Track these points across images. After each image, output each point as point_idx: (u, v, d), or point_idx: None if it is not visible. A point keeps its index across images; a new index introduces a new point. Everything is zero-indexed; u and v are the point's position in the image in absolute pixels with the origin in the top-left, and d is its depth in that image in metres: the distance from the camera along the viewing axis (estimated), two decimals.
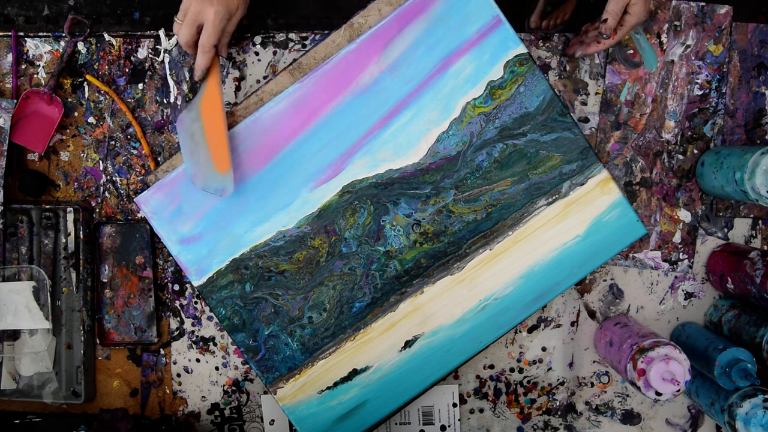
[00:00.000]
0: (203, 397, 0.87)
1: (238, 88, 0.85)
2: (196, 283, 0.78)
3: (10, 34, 0.84)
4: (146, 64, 0.84)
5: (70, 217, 0.83)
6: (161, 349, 0.87)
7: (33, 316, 0.83)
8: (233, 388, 0.87)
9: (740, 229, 0.86)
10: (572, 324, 0.86)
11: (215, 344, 0.86)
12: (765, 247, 0.86)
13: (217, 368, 0.87)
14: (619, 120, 0.84)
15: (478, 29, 0.75)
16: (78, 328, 0.84)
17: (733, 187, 0.76)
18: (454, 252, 0.78)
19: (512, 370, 0.87)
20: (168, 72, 0.84)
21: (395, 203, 0.77)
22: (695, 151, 0.85)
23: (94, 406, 0.87)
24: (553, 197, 0.77)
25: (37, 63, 0.84)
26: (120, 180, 0.85)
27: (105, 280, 0.85)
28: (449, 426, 0.87)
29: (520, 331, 0.86)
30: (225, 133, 0.75)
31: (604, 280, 0.86)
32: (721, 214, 0.85)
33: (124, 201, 0.85)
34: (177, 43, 0.83)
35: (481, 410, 0.87)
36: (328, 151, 0.77)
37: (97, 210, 0.86)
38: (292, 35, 0.84)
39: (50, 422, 0.84)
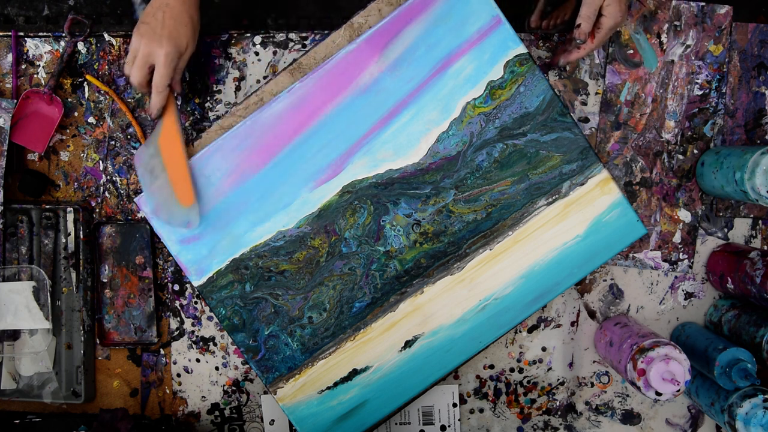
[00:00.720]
0: (203, 397, 0.87)
1: (238, 88, 0.85)
2: (196, 283, 0.78)
3: (10, 34, 0.84)
4: None
5: (70, 217, 0.83)
6: (161, 349, 0.87)
7: (33, 316, 0.83)
8: (233, 388, 0.87)
9: (740, 229, 0.86)
10: (572, 324, 0.86)
11: (215, 344, 0.86)
12: (765, 247, 0.86)
13: (217, 368, 0.87)
14: (619, 120, 0.84)
15: (478, 29, 0.75)
16: (78, 328, 0.84)
17: (733, 187, 0.76)
18: (454, 252, 0.78)
19: (512, 370, 0.87)
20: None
21: (395, 203, 0.77)
22: (695, 151, 0.85)
23: (94, 406, 0.87)
24: (553, 197, 0.77)
25: (37, 63, 0.84)
26: (120, 180, 0.85)
27: (105, 280, 0.85)
28: (449, 426, 0.87)
29: (520, 331, 0.86)
30: (187, 168, 0.75)
31: (604, 280, 0.86)
32: (721, 214, 0.85)
33: (124, 201, 0.85)
34: None
35: (481, 410, 0.87)
36: (328, 151, 0.77)
37: (97, 210, 0.86)
38: (292, 35, 0.84)
39: (50, 422, 0.84)
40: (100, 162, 0.85)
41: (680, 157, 0.85)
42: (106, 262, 0.85)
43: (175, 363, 0.87)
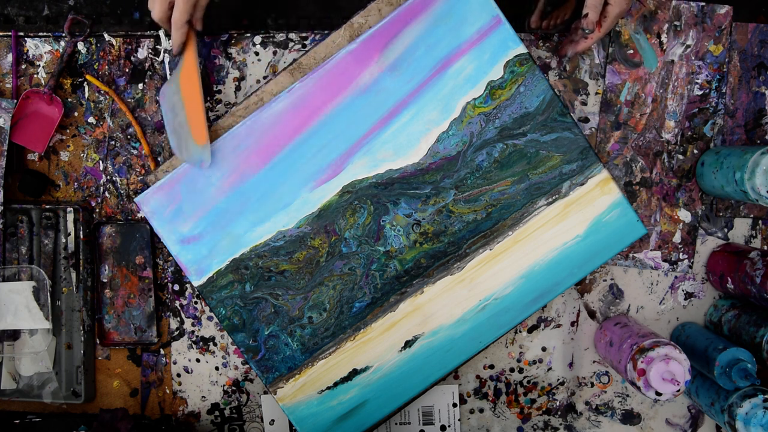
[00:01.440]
0: (203, 397, 0.87)
1: (238, 88, 0.85)
2: (196, 283, 0.78)
3: (10, 34, 0.84)
4: (146, 64, 0.84)
5: (70, 217, 0.83)
6: (161, 349, 0.87)
7: (33, 316, 0.83)
8: (233, 388, 0.87)
9: (740, 229, 0.86)
10: (572, 324, 0.86)
11: (215, 344, 0.86)
12: (765, 247, 0.86)
13: (217, 368, 0.87)
14: (619, 120, 0.84)
15: (478, 29, 0.75)
16: (78, 328, 0.84)
17: (733, 187, 0.76)
18: (454, 252, 0.78)
19: (512, 370, 0.87)
20: (168, 72, 0.84)
21: (395, 203, 0.77)
22: (695, 151, 0.85)
23: (94, 406, 0.87)
24: (553, 197, 0.77)
25: (37, 63, 0.84)
26: (120, 180, 0.85)
27: (105, 280, 0.85)
28: (449, 426, 0.87)
29: (520, 331, 0.86)
30: (202, 106, 0.75)
31: (604, 280, 0.86)
32: (721, 214, 0.85)
33: (124, 201, 0.85)
34: None
35: (481, 410, 0.87)
36: (328, 151, 0.77)
37: (97, 210, 0.86)
38: (292, 35, 0.84)
39: (50, 422, 0.84)
40: (100, 162, 0.85)
41: (680, 157, 0.85)
42: (106, 262, 0.85)
43: (175, 363, 0.87)
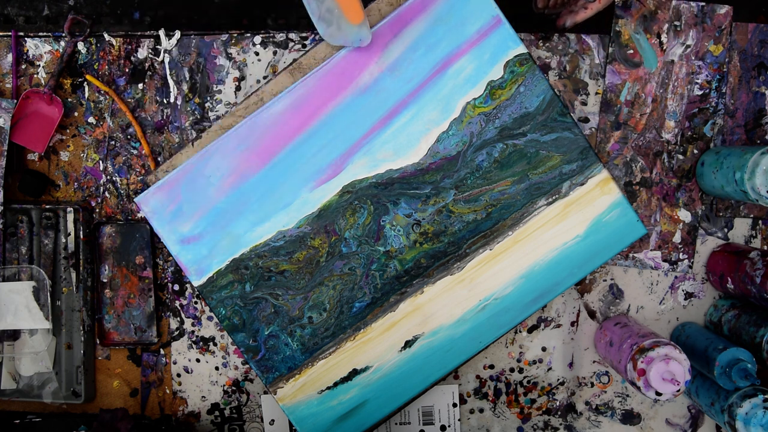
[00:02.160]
0: (203, 397, 0.87)
1: (238, 88, 0.85)
2: (196, 283, 0.78)
3: (10, 34, 0.84)
4: (146, 64, 0.84)
5: (70, 217, 0.83)
6: (161, 349, 0.87)
7: (33, 316, 0.83)
8: (233, 388, 0.87)
9: (740, 229, 0.86)
10: (572, 324, 0.86)
11: (215, 344, 0.86)
12: (765, 247, 0.86)
13: (217, 368, 0.87)
14: (619, 120, 0.84)
15: (478, 29, 0.75)
16: (78, 328, 0.84)
17: (733, 187, 0.76)
18: (454, 252, 0.78)
19: (512, 370, 0.87)
20: (168, 72, 0.84)
21: (395, 203, 0.77)
22: (695, 151, 0.85)
23: (94, 406, 0.87)
24: (553, 197, 0.77)
25: (37, 63, 0.84)
26: (120, 180, 0.85)
27: (105, 280, 0.85)
28: (449, 426, 0.87)
29: (520, 331, 0.86)
30: None
31: (604, 280, 0.86)
32: (721, 214, 0.85)
33: (124, 201, 0.85)
34: (177, 43, 0.83)
35: (481, 410, 0.87)
36: (328, 151, 0.77)
37: (97, 210, 0.86)
38: (292, 35, 0.84)
39: (50, 422, 0.84)
40: (100, 162, 0.85)
41: (680, 157, 0.85)
42: (106, 262, 0.85)
43: (175, 363, 0.87)
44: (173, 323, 0.86)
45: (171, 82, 0.84)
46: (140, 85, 0.84)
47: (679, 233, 0.85)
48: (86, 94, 0.85)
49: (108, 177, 0.85)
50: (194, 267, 0.78)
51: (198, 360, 0.87)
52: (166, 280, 0.86)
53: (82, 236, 0.83)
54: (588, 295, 0.86)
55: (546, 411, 0.87)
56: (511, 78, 0.76)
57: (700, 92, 0.84)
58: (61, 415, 0.86)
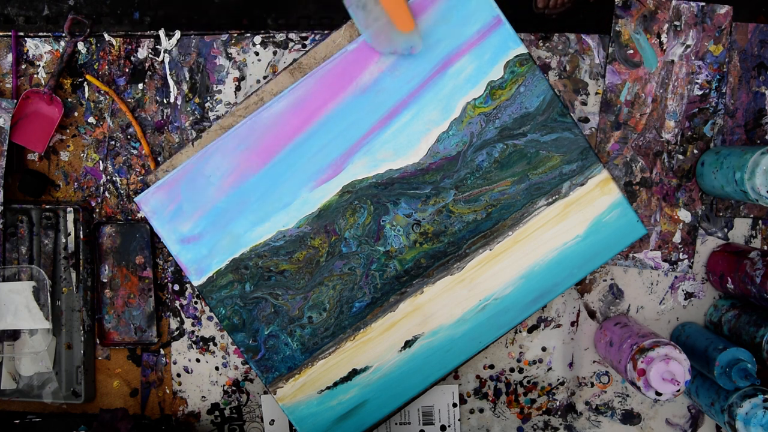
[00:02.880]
0: (203, 397, 0.87)
1: (238, 88, 0.85)
2: (196, 283, 0.78)
3: (10, 34, 0.84)
4: (146, 64, 0.84)
5: (70, 217, 0.83)
6: (161, 349, 0.87)
7: (33, 316, 0.83)
8: (233, 388, 0.87)
9: (740, 229, 0.86)
10: (572, 324, 0.86)
11: (215, 344, 0.86)
12: (765, 247, 0.86)
13: (217, 368, 0.87)
14: (619, 120, 0.84)
15: (479, 29, 0.75)
16: (78, 328, 0.84)
17: (733, 187, 0.76)
18: (454, 252, 0.78)
19: (512, 370, 0.87)
20: (168, 72, 0.84)
21: (395, 203, 0.77)
22: (695, 151, 0.85)
23: (94, 406, 0.87)
24: (553, 197, 0.77)
25: (37, 63, 0.84)
26: (120, 180, 0.85)
27: (105, 280, 0.85)
28: (449, 426, 0.87)
29: (520, 331, 0.86)
30: None
31: (604, 280, 0.86)
32: (721, 214, 0.85)
33: (124, 201, 0.85)
34: (177, 43, 0.83)
35: (481, 410, 0.87)
36: (328, 151, 0.77)
37: (97, 210, 0.86)
38: (292, 35, 0.84)
39: (50, 422, 0.84)
40: (100, 162, 0.85)
41: (680, 157, 0.85)
42: (106, 262, 0.85)
43: (175, 363, 0.87)
44: (173, 323, 0.86)
45: (171, 82, 0.84)
46: (140, 85, 0.85)
47: (679, 233, 0.85)
48: (86, 94, 0.85)
49: (108, 177, 0.85)
50: (194, 267, 0.78)
51: (198, 360, 0.87)
52: (166, 280, 0.86)
53: (82, 236, 0.83)
54: (588, 295, 0.86)
55: (546, 411, 0.87)
56: (512, 78, 0.76)
57: (700, 92, 0.84)
58: (61, 415, 0.86)
